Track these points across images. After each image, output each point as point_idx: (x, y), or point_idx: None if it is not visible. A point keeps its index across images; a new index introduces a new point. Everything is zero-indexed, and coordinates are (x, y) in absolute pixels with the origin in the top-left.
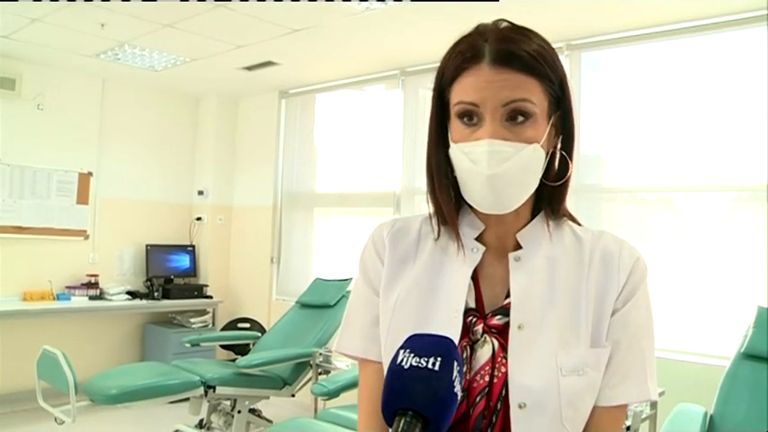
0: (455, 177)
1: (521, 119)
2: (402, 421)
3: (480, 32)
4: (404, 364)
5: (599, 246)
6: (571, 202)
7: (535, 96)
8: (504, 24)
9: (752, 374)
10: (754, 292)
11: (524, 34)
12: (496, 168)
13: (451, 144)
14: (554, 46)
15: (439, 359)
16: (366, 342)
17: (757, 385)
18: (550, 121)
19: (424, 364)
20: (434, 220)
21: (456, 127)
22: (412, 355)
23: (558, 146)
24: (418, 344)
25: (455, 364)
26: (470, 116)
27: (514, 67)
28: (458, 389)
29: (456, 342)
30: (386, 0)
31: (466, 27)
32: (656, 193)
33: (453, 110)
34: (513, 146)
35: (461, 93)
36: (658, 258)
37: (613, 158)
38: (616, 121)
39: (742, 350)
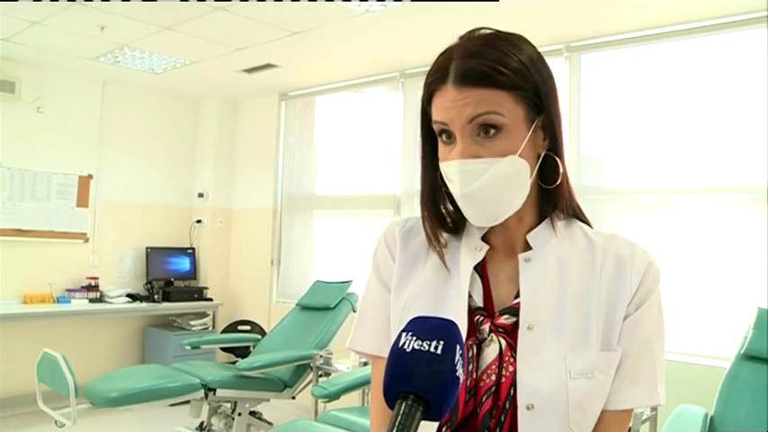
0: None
1: (492, 131)
2: (403, 405)
3: (449, 51)
4: (406, 347)
5: (611, 249)
6: None
7: (504, 107)
8: (477, 34)
9: (752, 376)
10: (755, 294)
11: (492, 45)
12: (468, 187)
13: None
14: (553, 48)
15: (441, 342)
16: (379, 339)
17: (757, 386)
18: (532, 127)
19: (426, 347)
20: (433, 242)
21: (440, 144)
22: (414, 338)
23: (547, 147)
24: (420, 327)
25: (457, 347)
26: (447, 134)
27: (477, 83)
28: (460, 372)
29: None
30: (385, 1)
31: (465, 29)
32: (656, 194)
33: (434, 128)
34: (484, 162)
35: (434, 113)
36: (658, 260)
37: (613, 160)
38: (616, 123)
39: (742, 351)
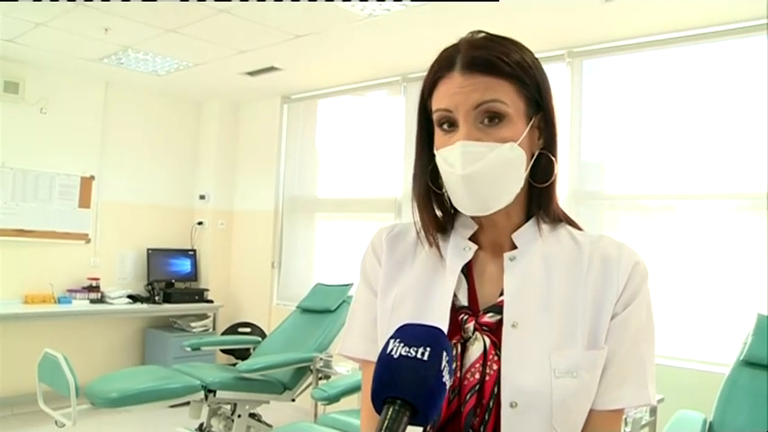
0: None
1: (495, 120)
2: (390, 410)
3: (454, 45)
4: (393, 353)
5: (598, 249)
6: (572, 209)
7: (507, 97)
8: (480, 35)
9: (751, 381)
10: (754, 300)
11: (496, 41)
12: (469, 168)
13: (435, 152)
14: (555, 53)
15: (428, 349)
16: (368, 344)
17: (757, 392)
18: (531, 123)
19: (414, 353)
20: (422, 234)
21: (437, 135)
22: (402, 344)
23: (541, 147)
24: (408, 334)
25: (444, 354)
26: (449, 123)
27: (484, 71)
28: (446, 378)
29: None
30: (388, 5)
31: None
32: (658, 200)
33: (434, 119)
34: (486, 145)
35: (438, 101)
36: (659, 265)
37: (615, 166)
38: (618, 129)
39: (741, 357)
